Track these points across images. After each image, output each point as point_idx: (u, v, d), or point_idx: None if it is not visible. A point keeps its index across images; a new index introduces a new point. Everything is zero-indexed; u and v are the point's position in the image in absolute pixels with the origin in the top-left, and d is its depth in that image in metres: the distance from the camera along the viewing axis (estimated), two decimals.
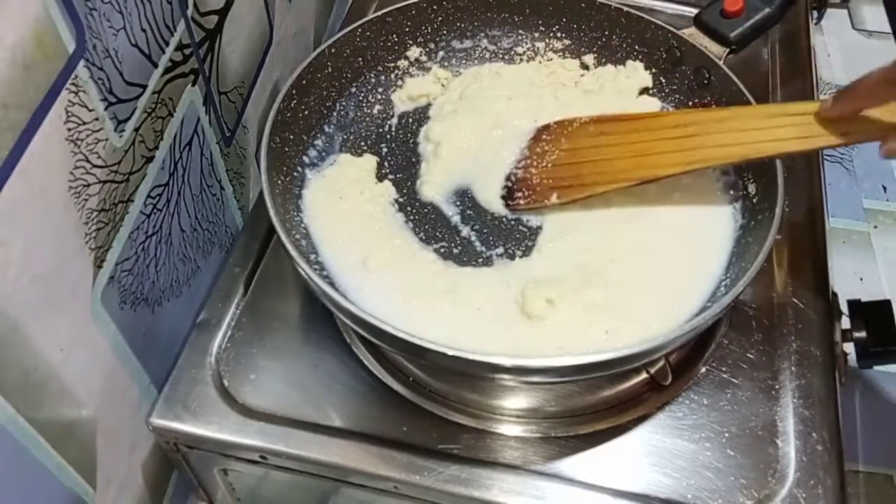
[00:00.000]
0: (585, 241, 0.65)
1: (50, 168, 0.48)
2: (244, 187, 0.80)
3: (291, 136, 0.67)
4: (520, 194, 0.67)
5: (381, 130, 0.75)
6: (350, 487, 0.62)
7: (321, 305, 0.63)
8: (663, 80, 0.75)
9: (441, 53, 0.79)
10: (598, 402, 0.62)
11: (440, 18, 0.77)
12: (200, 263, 0.71)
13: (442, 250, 0.66)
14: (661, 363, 0.60)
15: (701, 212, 0.66)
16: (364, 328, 0.55)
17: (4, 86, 0.43)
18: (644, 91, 0.75)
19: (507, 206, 0.68)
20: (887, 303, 0.67)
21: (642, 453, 0.60)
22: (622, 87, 0.75)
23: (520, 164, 0.69)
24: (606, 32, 0.76)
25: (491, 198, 0.69)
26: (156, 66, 0.59)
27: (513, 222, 0.67)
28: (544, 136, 0.69)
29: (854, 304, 0.68)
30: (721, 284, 0.61)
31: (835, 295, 0.69)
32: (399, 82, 0.77)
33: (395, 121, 0.76)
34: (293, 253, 0.56)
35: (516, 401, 0.62)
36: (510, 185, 0.68)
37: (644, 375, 0.62)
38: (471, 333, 0.59)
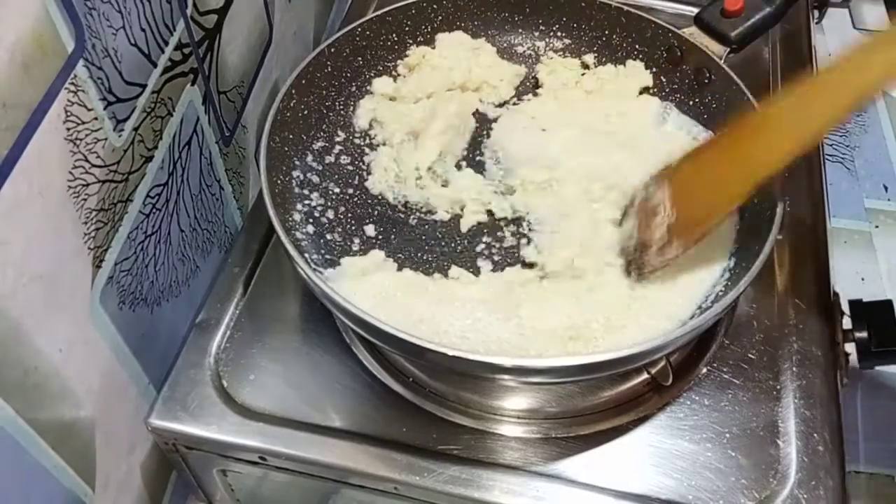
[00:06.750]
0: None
1: (49, 168, 0.48)
2: (243, 187, 0.80)
3: (291, 136, 0.67)
4: (645, 258, 0.61)
5: None
6: (349, 488, 0.62)
7: (321, 306, 0.63)
8: (664, 80, 0.75)
9: None
10: (599, 403, 0.62)
11: (440, 18, 0.77)
12: (199, 263, 0.71)
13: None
14: (662, 363, 0.60)
15: None
16: (363, 328, 0.54)
17: (4, 85, 0.43)
18: (644, 90, 0.75)
19: (641, 275, 0.61)
20: (889, 303, 0.67)
21: (643, 454, 0.60)
22: (622, 87, 0.74)
23: (633, 234, 0.62)
24: (607, 32, 0.76)
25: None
26: (155, 65, 0.58)
27: (513, 223, 0.67)
28: (648, 193, 0.62)
29: (855, 305, 0.68)
30: (722, 284, 0.60)
31: (836, 295, 0.69)
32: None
33: None
34: (293, 253, 0.56)
35: (516, 401, 0.62)
36: (632, 258, 0.62)
37: (645, 376, 0.62)
38: (470, 334, 0.58)
